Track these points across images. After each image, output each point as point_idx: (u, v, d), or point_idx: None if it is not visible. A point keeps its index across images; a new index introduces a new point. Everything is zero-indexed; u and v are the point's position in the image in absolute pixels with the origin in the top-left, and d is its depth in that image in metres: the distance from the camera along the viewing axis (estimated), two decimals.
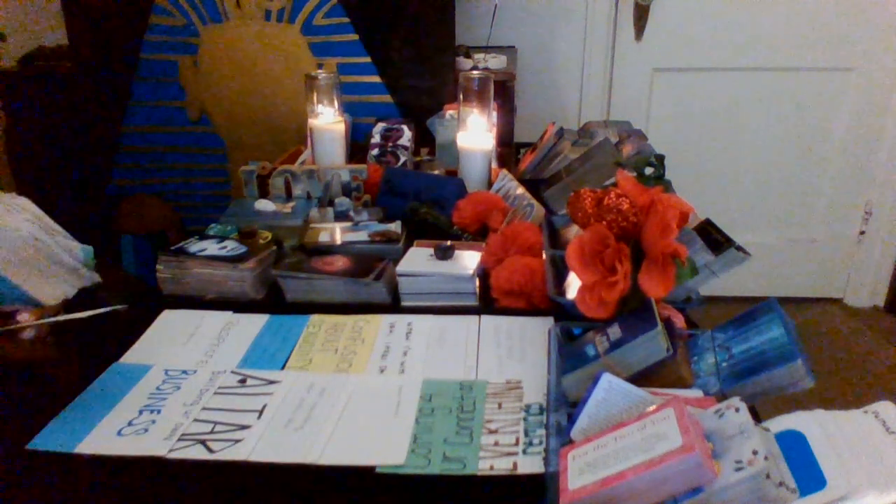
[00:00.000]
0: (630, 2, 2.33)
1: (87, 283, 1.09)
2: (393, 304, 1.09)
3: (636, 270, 0.84)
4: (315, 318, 1.05)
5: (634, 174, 1.26)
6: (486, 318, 1.03)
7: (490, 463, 0.75)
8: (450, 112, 1.67)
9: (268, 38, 1.94)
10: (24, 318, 0.96)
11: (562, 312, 0.99)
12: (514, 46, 2.33)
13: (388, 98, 1.96)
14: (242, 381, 0.90)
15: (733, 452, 0.58)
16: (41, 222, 1.06)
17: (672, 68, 2.41)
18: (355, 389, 0.88)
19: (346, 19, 1.90)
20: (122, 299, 1.06)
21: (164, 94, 2.02)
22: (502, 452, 0.76)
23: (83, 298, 1.07)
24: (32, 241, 1.02)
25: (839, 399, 2.10)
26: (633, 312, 0.80)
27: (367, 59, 1.93)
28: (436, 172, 1.50)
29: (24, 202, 1.07)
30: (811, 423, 0.65)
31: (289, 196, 1.44)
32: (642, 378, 0.75)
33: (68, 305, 1.05)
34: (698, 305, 0.98)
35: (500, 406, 0.84)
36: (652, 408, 0.65)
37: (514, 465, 0.74)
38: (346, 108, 1.66)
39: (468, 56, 2.08)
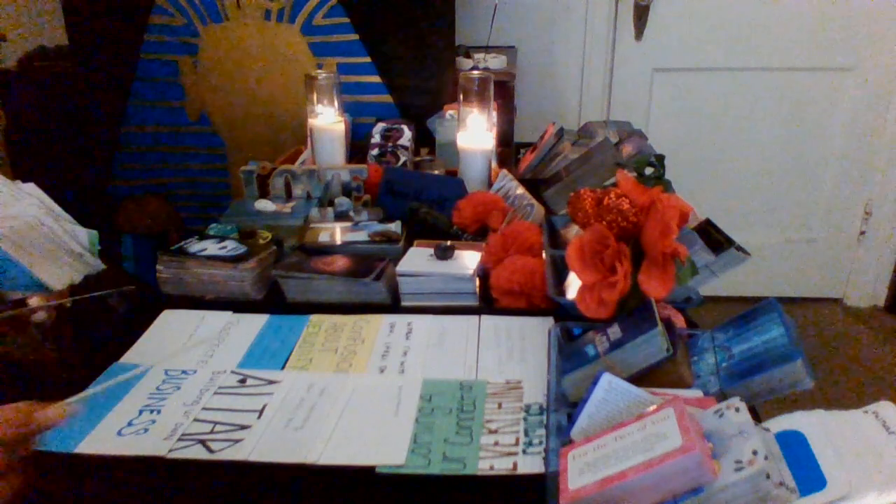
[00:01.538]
0: (630, 2, 2.33)
1: (92, 271, 1.09)
2: (393, 304, 1.09)
3: (636, 270, 0.84)
4: (315, 318, 1.05)
5: (634, 174, 1.26)
6: (486, 318, 1.03)
7: (490, 463, 0.75)
8: (450, 112, 1.67)
9: (268, 38, 1.94)
10: (36, 301, 0.96)
11: (562, 312, 0.99)
12: (514, 46, 2.33)
13: (388, 98, 1.96)
14: (242, 381, 0.90)
15: (733, 452, 0.58)
16: (47, 207, 1.06)
17: (672, 68, 2.41)
18: (355, 389, 0.88)
19: (346, 19, 1.90)
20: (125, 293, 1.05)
21: (164, 94, 2.02)
22: (502, 452, 0.76)
23: (89, 286, 1.07)
24: (39, 225, 1.02)
25: (839, 399, 2.10)
26: (633, 312, 0.80)
27: (367, 59, 1.93)
28: (436, 172, 1.50)
29: (31, 188, 1.08)
30: (811, 423, 0.65)
31: (289, 196, 1.44)
32: (642, 378, 0.75)
33: (74, 291, 1.04)
34: (698, 305, 0.98)
35: (500, 406, 0.84)
36: (652, 408, 0.65)
37: (514, 465, 0.74)
38: (346, 108, 1.66)
39: (468, 56, 2.08)
